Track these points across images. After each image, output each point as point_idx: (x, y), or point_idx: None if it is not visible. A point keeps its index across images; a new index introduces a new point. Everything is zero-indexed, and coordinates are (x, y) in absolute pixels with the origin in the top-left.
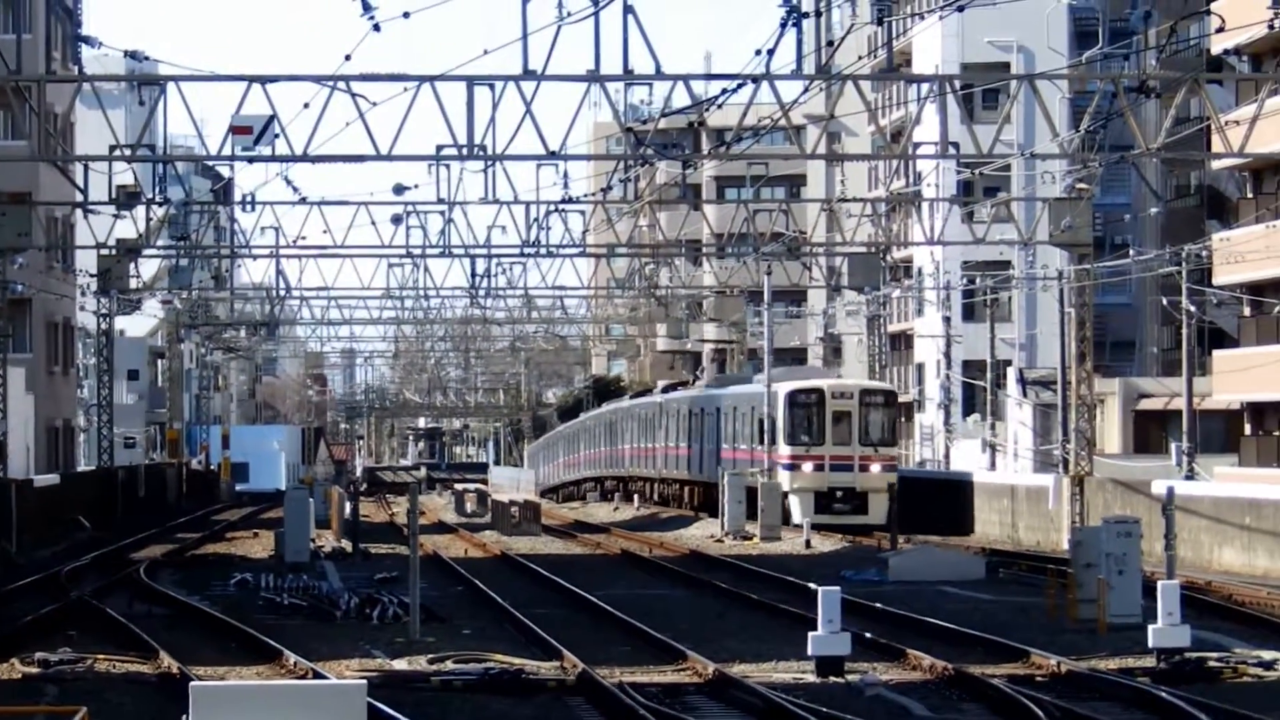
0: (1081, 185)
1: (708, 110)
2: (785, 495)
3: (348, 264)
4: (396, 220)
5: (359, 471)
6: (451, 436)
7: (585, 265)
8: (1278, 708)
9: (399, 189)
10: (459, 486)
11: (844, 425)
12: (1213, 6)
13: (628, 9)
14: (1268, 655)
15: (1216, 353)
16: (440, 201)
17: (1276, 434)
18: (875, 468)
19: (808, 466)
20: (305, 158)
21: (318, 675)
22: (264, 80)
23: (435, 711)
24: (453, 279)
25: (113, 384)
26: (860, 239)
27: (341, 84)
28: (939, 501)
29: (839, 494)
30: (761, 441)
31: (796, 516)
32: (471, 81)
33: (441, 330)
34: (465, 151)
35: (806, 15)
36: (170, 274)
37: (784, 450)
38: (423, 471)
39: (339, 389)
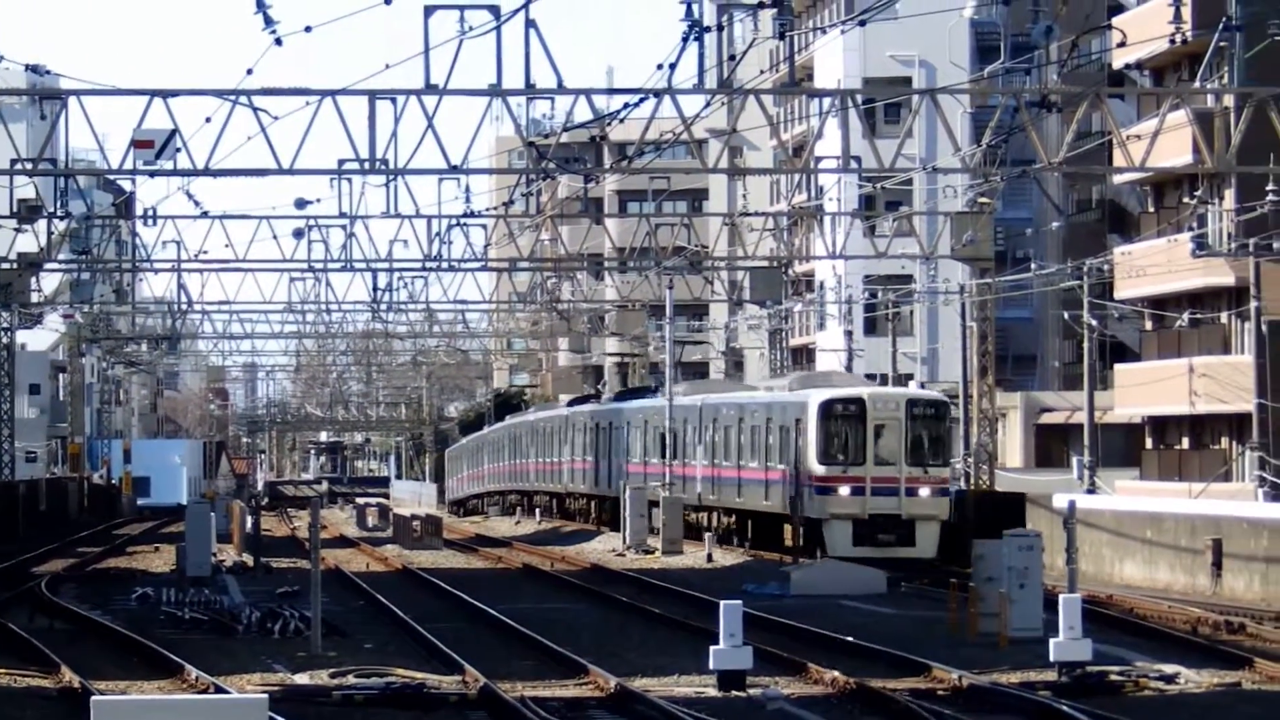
0: (983, 199)
1: (610, 124)
2: (818, 524)
3: (249, 278)
4: (298, 234)
5: (260, 486)
6: (353, 450)
7: (487, 279)
8: None
9: (301, 203)
10: (360, 501)
11: (888, 441)
12: (1114, 21)
13: (529, 23)
14: (1169, 669)
15: (1118, 367)
16: (342, 215)
17: (1177, 448)
18: (924, 491)
19: (844, 490)
20: (207, 171)
21: (219, 689)
22: (166, 94)
23: None
24: (354, 293)
25: (14, 398)
26: (762, 253)
27: (243, 98)
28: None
29: (882, 522)
30: (663, 455)
31: (834, 548)
32: (373, 95)
33: (343, 344)
34: (367, 165)
35: (708, 30)
36: (71, 288)
37: (816, 470)
38: (324, 486)
39: (240, 403)
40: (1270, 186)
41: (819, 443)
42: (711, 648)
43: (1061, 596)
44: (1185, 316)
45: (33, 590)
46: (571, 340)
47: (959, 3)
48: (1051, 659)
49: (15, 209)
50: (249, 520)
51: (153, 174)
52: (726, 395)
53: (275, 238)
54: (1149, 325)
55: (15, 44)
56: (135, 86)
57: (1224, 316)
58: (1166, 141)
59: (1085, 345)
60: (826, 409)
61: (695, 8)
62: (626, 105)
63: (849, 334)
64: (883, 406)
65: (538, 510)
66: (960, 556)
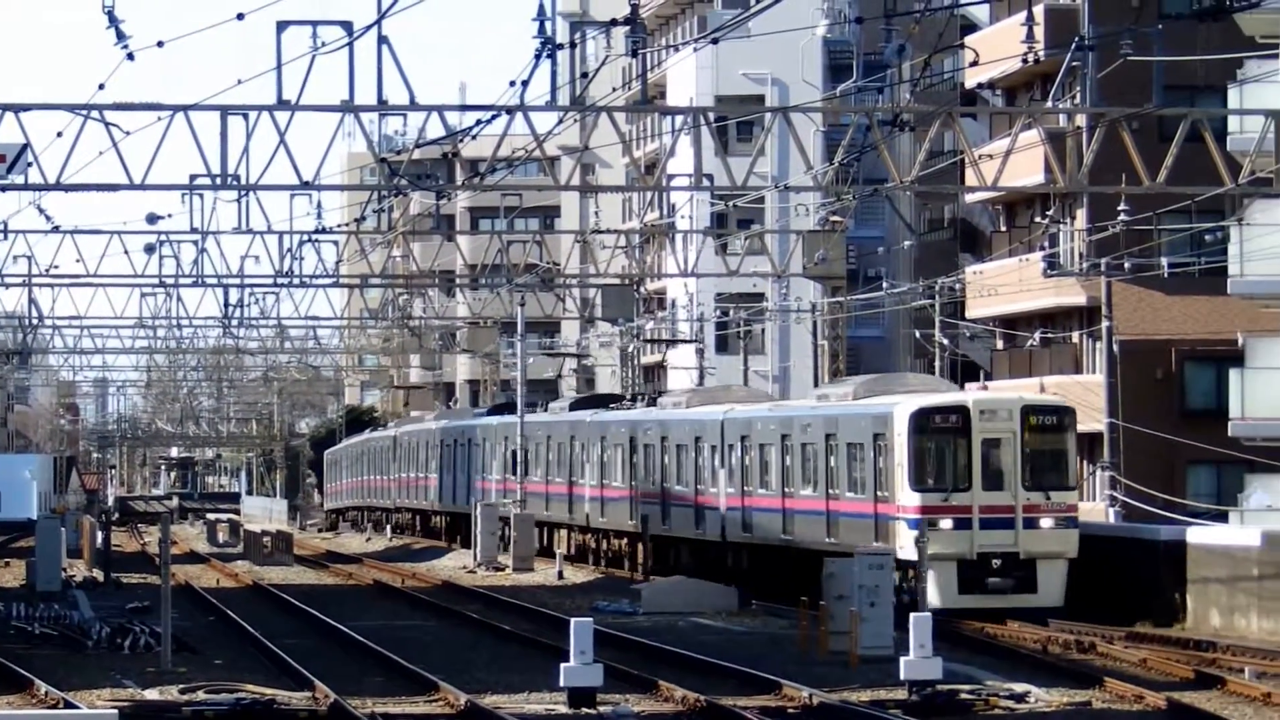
0: (835, 218)
1: (462, 141)
2: (908, 568)
3: (101, 293)
4: (150, 249)
5: (111, 501)
6: (204, 466)
7: (339, 295)
8: None
9: (152, 218)
10: (211, 516)
11: (999, 459)
12: (967, 40)
13: (382, 40)
14: (1019, 688)
15: (969, 386)
16: (193, 231)
17: None
18: (1046, 522)
19: (946, 523)
20: (59, 186)
21: (69, 705)
22: (17, 109)
23: None
24: (206, 308)
25: None
26: (614, 270)
27: (95, 113)
28: None
29: (994, 563)
30: (514, 472)
31: (934, 597)
32: (225, 111)
33: (194, 360)
34: (219, 181)
35: (561, 47)
36: None
37: (908, 498)
38: (175, 501)
39: (91, 418)
40: (1122, 206)
41: (911, 463)
42: (562, 665)
43: (912, 615)
44: (1036, 336)
45: None
46: (423, 357)
47: (812, 21)
48: (902, 677)
49: None
50: (99, 535)
51: (4, 188)
52: (759, 408)
53: (127, 253)
54: (1000, 344)
55: None
56: None
57: (1075, 336)
58: (1018, 161)
59: (936, 365)
60: (920, 421)
61: (548, 25)
62: (479, 122)
63: (700, 352)
64: (992, 416)
65: (389, 527)
66: (1095, 603)
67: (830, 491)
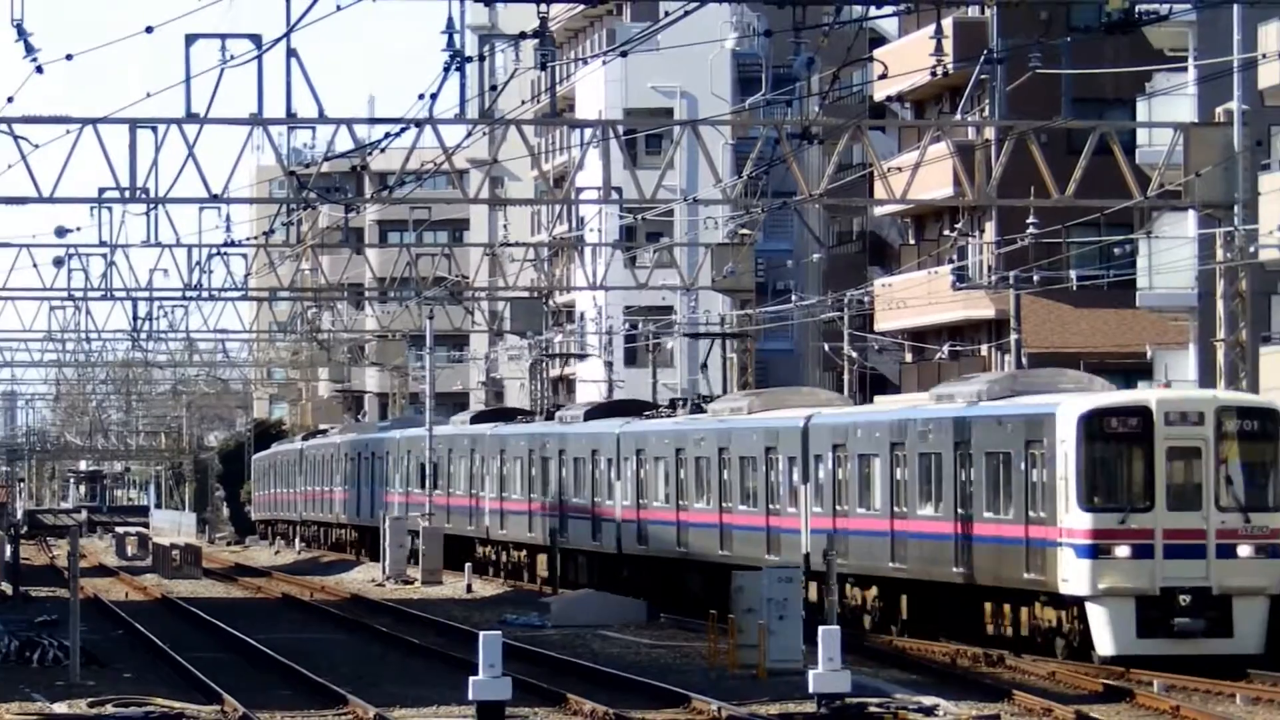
0: (744, 231)
1: (370, 154)
2: (1077, 605)
3: (9, 306)
4: (58, 263)
5: (19, 514)
6: (113, 479)
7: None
8: None
9: (61, 231)
10: (120, 530)
11: (1188, 473)
12: (876, 53)
13: (291, 53)
14: (928, 700)
15: (878, 399)
16: (102, 244)
17: None
18: (1245, 550)
19: (1123, 550)
20: None
21: None
22: None
23: None
24: (114, 321)
25: None
26: (523, 283)
27: (3, 125)
28: None
29: (1182, 600)
30: (423, 485)
31: (1107, 643)
32: (134, 124)
33: (103, 373)
34: (127, 194)
35: (470, 60)
36: None
37: (1075, 520)
38: (84, 514)
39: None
40: (1030, 219)
41: (1081, 477)
42: (471, 679)
43: (821, 628)
44: (945, 349)
45: None
46: (331, 370)
47: (720, 34)
48: (810, 690)
49: None
50: (7, 549)
51: None
52: (856, 411)
53: (35, 266)
54: (909, 357)
55: None
56: None
57: (984, 349)
58: (927, 174)
59: (845, 377)
60: (1092, 425)
61: (456, 38)
62: (387, 135)
63: (609, 365)
64: (1180, 419)
65: (298, 540)
66: None
67: (963, 511)
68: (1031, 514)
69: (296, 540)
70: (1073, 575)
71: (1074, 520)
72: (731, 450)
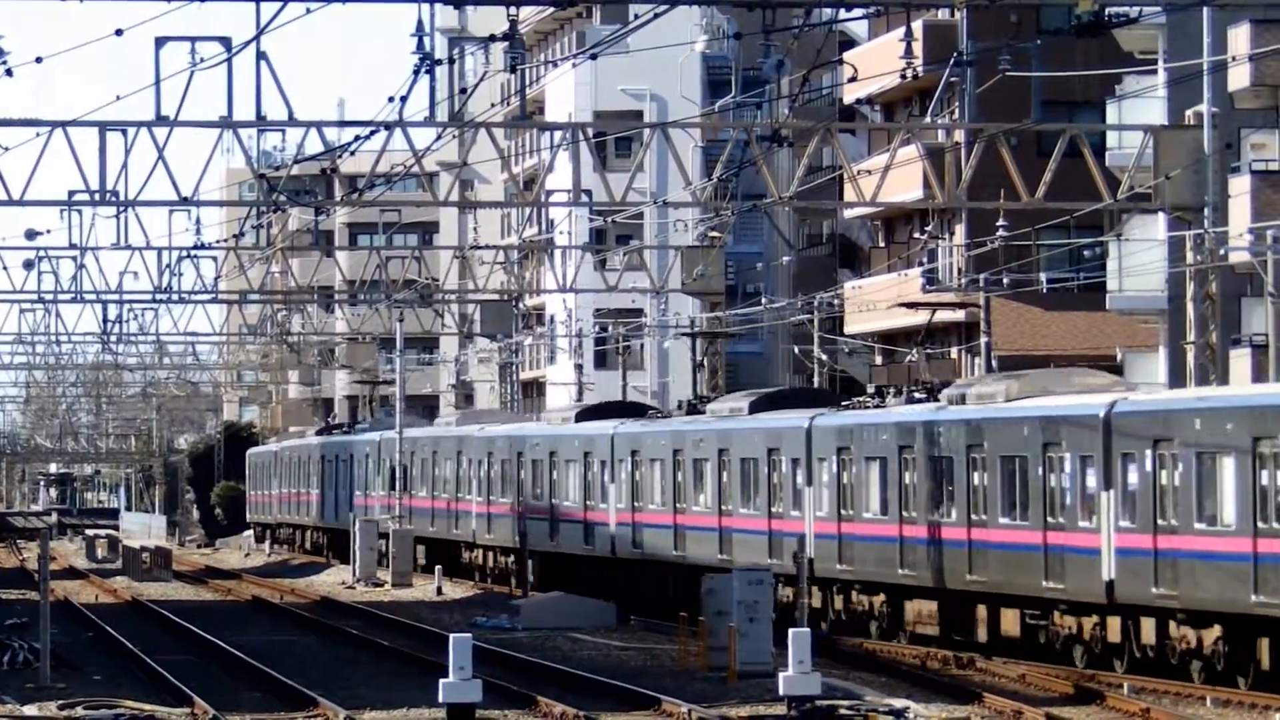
0: (714, 234)
1: (341, 157)
2: None
3: None
4: (28, 265)
5: None
6: (83, 482)
7: (217, 311)
8: None
9: (31, 234)
10: (90, 532)
11: None
12: (846, 56)
13: (260, 55)
14: (899, 703)
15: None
16: (72, 247)
17: None
18: None
19: None
20: None
21: None
22: None
23: None
24: (84, 324)
25: None
26: (493, 286)
27: None
28: None
29: None
30: (394, 488)
31: None
32: (104, 127)
33: (73, 376)
34: (98, 197)
35: (439, 63)
36: None
37: None
38: (54, 517)
39: None
40: (1000, 222)
41: None
42: (441, 681)
43: (791, 631)
44: (915, 352)
45: None
46: (301, 373)
47: (690, 37)
48: (781, 693)
49: None
50: None
51: None
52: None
53: (5, 269)
54: (879, 360)
55: None
56: None
57: (954, 351)
58: (897, 176)
59: (815, 380)
60: None
61: (426, 40)
62: (357, 138)
63: (579, 368)
64: None
65: (269, 542)
66: None
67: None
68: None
69: (269, 543)
70: None
71: None
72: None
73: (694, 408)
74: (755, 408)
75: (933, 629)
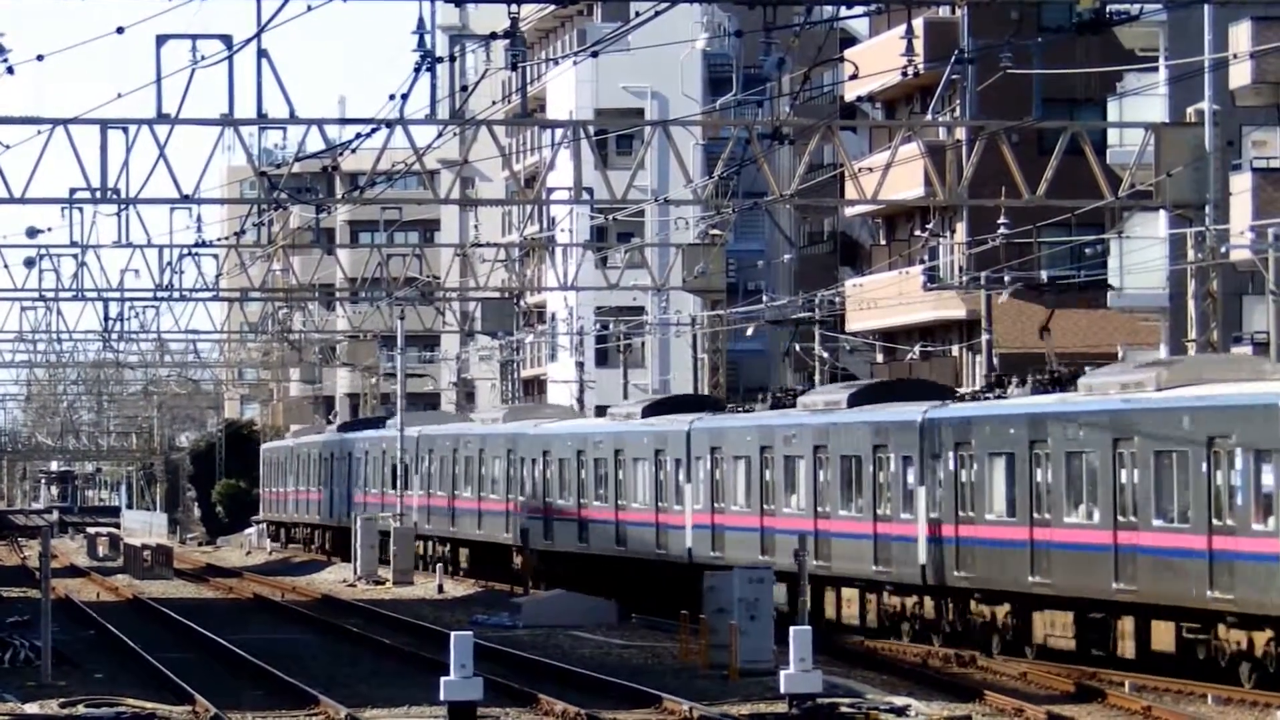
0: (715, 231)
1: (342, 154)
2: None
3: None
4: (29, 263)
5: None
6: (84, 480)
7: (218, 309)
8: None
9: (32, 232)
10: (91, 530)
11: None
12: (847, 54)
13: (261, 53)
14: (900, 701)
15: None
16: (73, 244)
17: None
18: None
19: None
20: None
21: None
22: None
23: None
24: (86, 322)
25: None
26: (494, 284)
27: None
28: None
29: None
30: (394, 485)
31: None
32: (105, 125)
33: (74, 374)
34: (99, 195)
35: (440, 60)
36: None
37: None
38: (55, 515)
39: None
40: (1001, 219)
41: None
42: (442, 679)
43: (792, 629)
44: (916, 349)
45: None
46: (302, 370)
47: (691, 35)
48: (782, 691)
49: None
50: None
51: None
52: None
53: (6, 267)
54: (880, 358)
55: None
56: None
57: (955, 349)
58: (898, 174)
59: (816, 378)
60: None
61: (427, 38)
62: (358, 135)
63: (580, 365)
64: None
65: (268, 540)
66: None
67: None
68: None
69: (268, 541)
70: None
71: None
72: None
73: (779, 401)
74: (855, 400)
75: (1066, 643)
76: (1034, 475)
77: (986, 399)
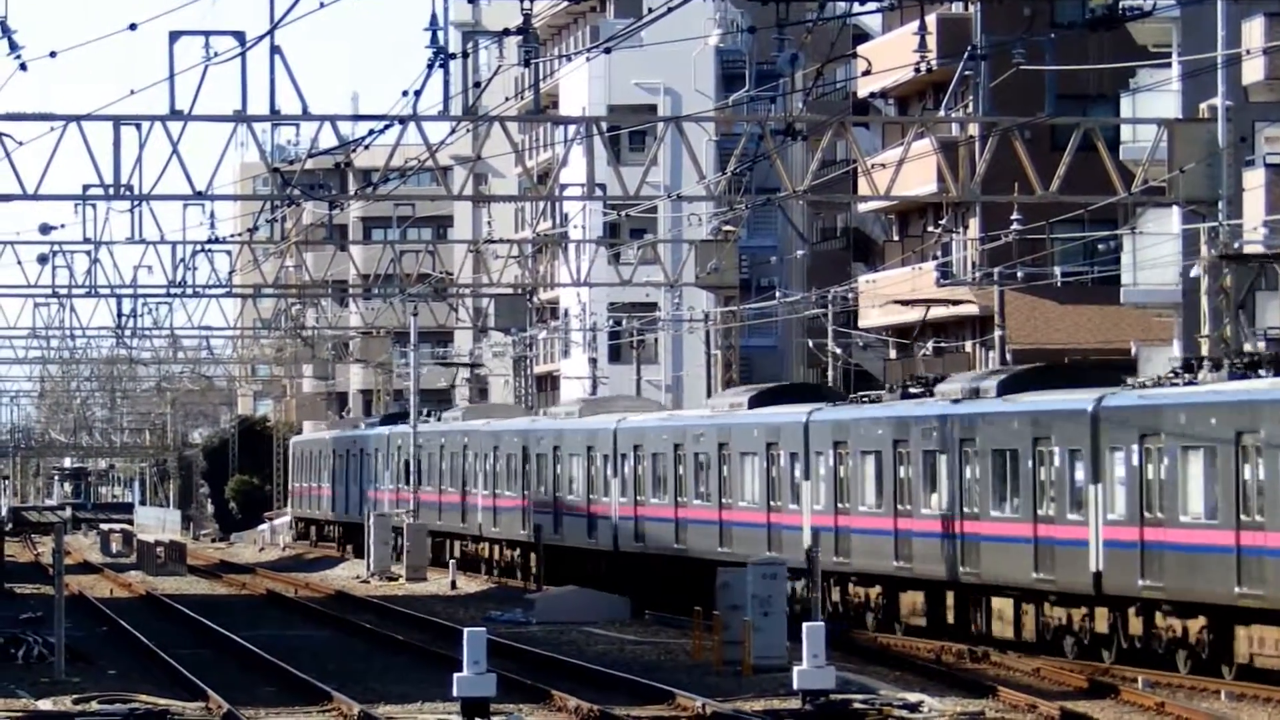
0: (728, 227)
1: (355, 151)
2: None
3: None
4: (43, 260)
5: (4, 511)
6: (98, 476)
7: (231, 305)
8: None
9: (45, 228)
10: (105, 526)
11: None
12: (860, 50)
13: (274, 49)
14: (913, 697)
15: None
16: (86, 241)
17: None
18: None
19: None
20: None
21: None
22: None
23: None
24: (99, 318)
25: None
26: (507, 280)
27: None
28: None
29: None
30: (407, 481)
31: None
32: (118, 121)
33: (88, 370)
34: (112, 191)
35: (453, 57)
36: None
37: None
38: (68, 511)
39: None
40: (1014, 215)
41: None
42: (455, 675)
43: (805, 625)
44: (929, 345)
45: None
46: (316, 367)
47: (704, 31)
48: (795, 687)
49: None
50: None
51: None
52: None
53: (19, 263)
54: (893, 354)
55: None
56: None
57: (968, 345)
58: (911, 170)
59: (829, 374)
60: None
61: (440, 34)
62: (371, 132)
63: (593, 361)
64: None
65: (280, 537)
66: None
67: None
68: None
69: (280, 537)
70: None
71: None
72: None
73: (908, 391)
74: (1004, 389)
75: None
76: (1240, 472)
77: (1174, 385)
